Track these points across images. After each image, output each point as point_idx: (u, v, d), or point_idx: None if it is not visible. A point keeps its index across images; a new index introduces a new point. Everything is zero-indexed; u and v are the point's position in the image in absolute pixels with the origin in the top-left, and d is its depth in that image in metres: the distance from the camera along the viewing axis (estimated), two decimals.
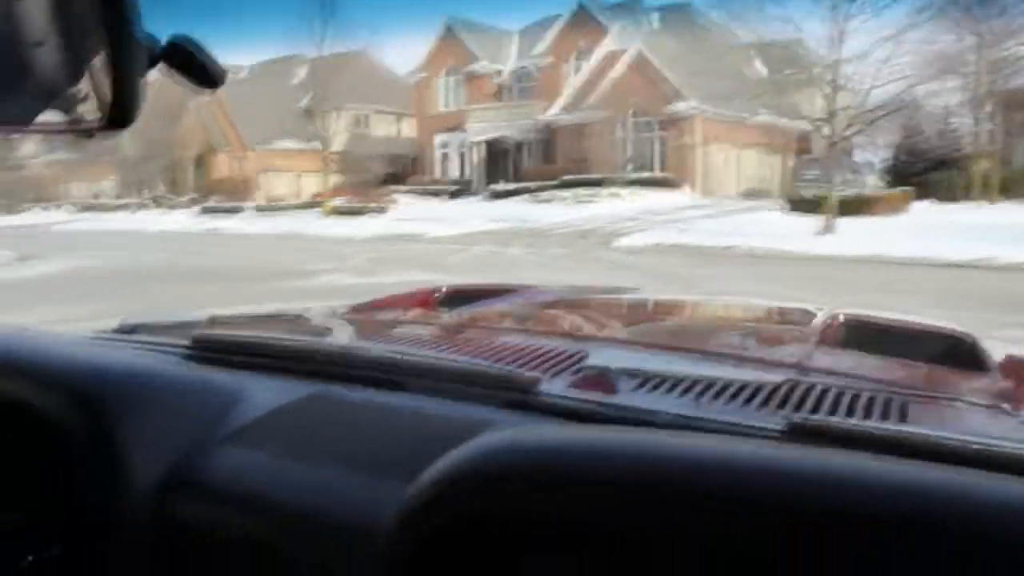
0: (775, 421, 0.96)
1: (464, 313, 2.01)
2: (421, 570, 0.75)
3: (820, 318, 1.98)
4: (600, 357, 1.29)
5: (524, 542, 0.73)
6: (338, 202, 33.30)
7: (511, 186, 34.73)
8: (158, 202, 41.41)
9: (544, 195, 32.11)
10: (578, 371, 1.23)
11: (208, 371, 1.16)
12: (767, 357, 1.54)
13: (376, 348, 1.27)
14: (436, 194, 36.11)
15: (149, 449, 0.96)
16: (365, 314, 2.02)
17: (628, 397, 1.12)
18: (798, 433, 0.90)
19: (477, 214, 28.20)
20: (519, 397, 1.05)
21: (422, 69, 40.22)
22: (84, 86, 0.82)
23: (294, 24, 32.57)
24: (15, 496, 1.05)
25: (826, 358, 1.59)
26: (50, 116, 0.87)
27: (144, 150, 39.63)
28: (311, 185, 36.40)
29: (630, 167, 32.39)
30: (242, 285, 12.52)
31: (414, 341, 1.50)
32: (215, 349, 1.27)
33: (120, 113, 0.79)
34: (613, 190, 31.21)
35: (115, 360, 1.11)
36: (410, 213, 30.31)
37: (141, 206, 41.15)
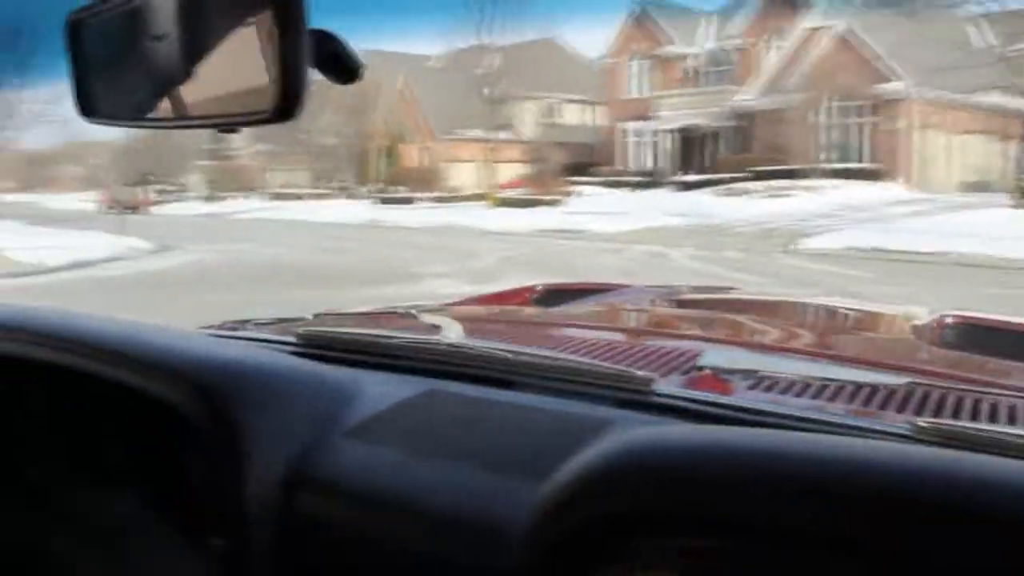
0: (898, 424, 0.96)
1: (566, 311, 2.01)
2: (556, 569, 0.76)
3: (929, 319, 1.98)
4: (713, 357, 1.27)
5: (664, 541, 0.74)
6: (510, 193, 31.70)
7: (699, 177, 32.69)
8: (343, 192, 41.35)
9: (735, 187, 30.15)
10: (690, 370, 1.22)
11: (321, 367, 1.15)
12: (882, 359, 1.47)
13: (487, 345, 1.26)
14: (620, 185, 33.86)
15: (270, 443, 0.97)
16: (467, 311, 1.97)
17: (744, 397, 1.10)
18: (925, 436, 0.90)
19: (655, 207, 26.49)
20: (634, 396, 1.06)
21: (611, 54, 38.00)
22: (255, 78, 0.85)
23: (461, 11, 31.62)
24: (137, 486, 1.13)
25: (941, 359, 1.61)
26: (223, 108, 0.93)
27: (334, 140, 39.68)
28: (496, 175, 35.00)
29: (831, 156, 28.79)
30: (327, 292, 11.71)
31: (522, 338, 1.46)
32: (324, 345, 1.28)
33: (289, 103, 0.83)
34: (810, 182, 27.95)
35: (232, 354, 1.12)
36: (584, 206, 29.20)
37: (324, 195, 41.27)
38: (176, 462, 1.07)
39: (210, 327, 1.52)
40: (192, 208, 42.11)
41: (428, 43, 41.20)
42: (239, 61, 0.87)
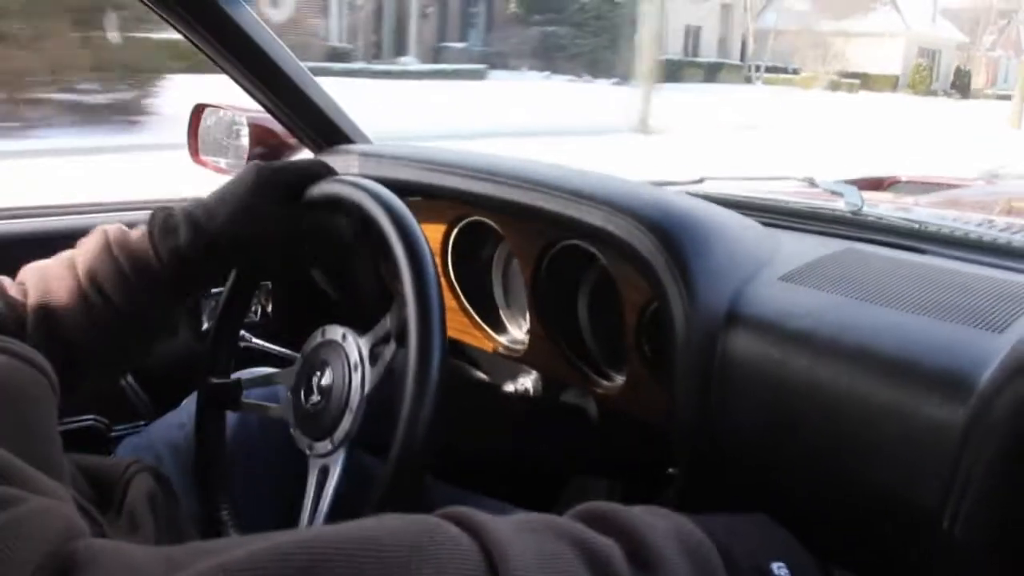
0: None
1: (943, 197, 1.96)
2: None
3: None
4: None
5: None
6: None
7: None
8: None
9: None
10: None
11: (745, 219, 1.15)
12: None
13: (894, 214, 1.27)
14: None
15: (711, 280, 0.98)
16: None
17: None
18: None
19: None
20: None
21: None
22: None
23: None
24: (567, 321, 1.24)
25: None
26: None
27: None
28: None
29: None
30: None
31: (920, 213, 1.41)
32: (731, 204, 1.29)
33: None
34: None
35: (671, 199, 1.12)
36: None
37: None
38: (620, 296, 1.13)
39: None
40: None
41: None
42: None
